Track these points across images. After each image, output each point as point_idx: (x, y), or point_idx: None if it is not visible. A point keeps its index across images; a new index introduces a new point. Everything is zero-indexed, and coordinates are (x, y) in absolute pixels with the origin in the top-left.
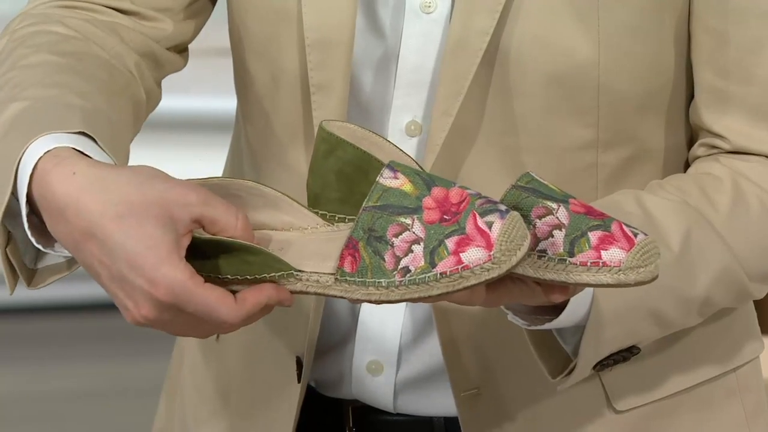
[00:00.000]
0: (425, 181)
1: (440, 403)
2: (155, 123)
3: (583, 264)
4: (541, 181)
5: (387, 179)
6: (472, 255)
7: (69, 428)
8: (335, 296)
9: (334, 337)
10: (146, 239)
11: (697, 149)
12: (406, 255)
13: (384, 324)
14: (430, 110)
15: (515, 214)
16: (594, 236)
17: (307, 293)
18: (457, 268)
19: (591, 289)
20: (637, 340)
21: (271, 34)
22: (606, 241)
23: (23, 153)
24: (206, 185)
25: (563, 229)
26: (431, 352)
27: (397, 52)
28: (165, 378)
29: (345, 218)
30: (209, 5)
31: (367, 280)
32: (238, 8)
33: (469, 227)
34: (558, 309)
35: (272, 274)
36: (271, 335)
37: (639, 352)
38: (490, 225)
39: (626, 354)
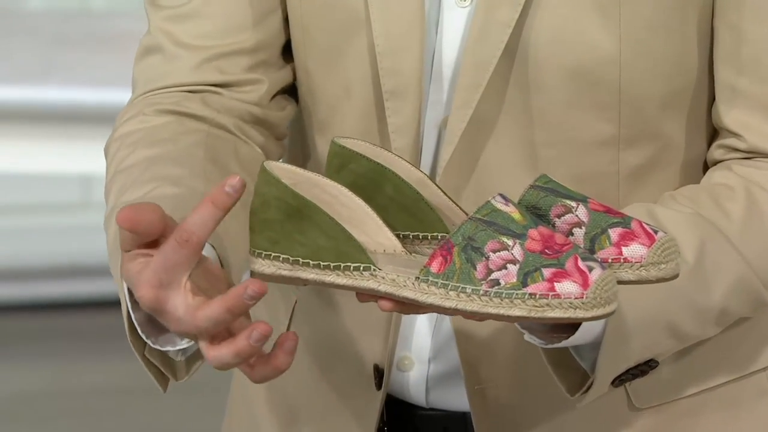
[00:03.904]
0: (534, 219)
1: None
2: None
3: (605, 261)
4: (559, 182)
5: (498, 203)
6: (567, 287)
7: (100, 424)
8: (405, 298)
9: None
10: None
11: (715, 151)
12: (499, 270)
13: (417, 321)
14: None
15: (613, 273)
16: (614, 233)
17: (376, 292)
18: (547, 294)
19: None
20: (654, 353)
21: (339, 44)
22: (627, 238)
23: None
24: (298, 176)
25: (583, 227)
26: None
27: (433, 47)
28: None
29: (419, 236)
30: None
31: (451, 283)
32: (301, 23)
33: (569, 264)
34: (574, 326)
35: (347, 263)
36: (346, 344)
37: (657, 365)
38: (590, 269)
39: (644, 368)
